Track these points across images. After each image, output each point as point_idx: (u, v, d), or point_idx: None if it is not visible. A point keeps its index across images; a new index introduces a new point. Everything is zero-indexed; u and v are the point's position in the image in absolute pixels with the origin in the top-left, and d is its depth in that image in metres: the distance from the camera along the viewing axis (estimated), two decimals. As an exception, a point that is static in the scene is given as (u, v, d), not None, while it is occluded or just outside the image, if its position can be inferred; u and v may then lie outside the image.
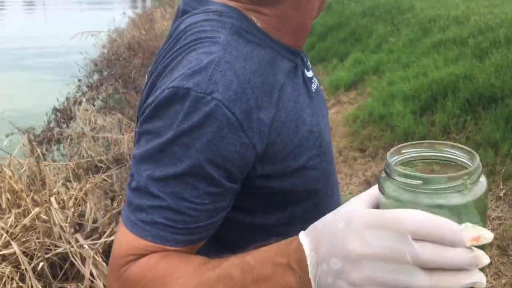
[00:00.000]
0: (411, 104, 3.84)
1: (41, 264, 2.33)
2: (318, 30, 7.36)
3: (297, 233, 0.52)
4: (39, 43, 10.91)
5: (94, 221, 2.68)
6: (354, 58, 5.82)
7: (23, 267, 2.27)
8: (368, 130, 4.04)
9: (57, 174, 3.44)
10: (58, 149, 4.06)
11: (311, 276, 0.47)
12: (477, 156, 0.46)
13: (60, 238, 2.48)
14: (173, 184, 0.61)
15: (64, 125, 4.19)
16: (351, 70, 5.58)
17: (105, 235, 2.57)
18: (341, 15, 7.34)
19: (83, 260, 2.41)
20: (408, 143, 0.48)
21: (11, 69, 8.49)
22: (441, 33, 4.72)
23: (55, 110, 4.30)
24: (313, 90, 0.81)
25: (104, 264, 2.38)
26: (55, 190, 2.91)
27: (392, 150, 0.48)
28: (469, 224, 0.42)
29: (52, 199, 2.62)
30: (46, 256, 2.39)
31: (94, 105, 4.25)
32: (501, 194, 2.69)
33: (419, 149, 0.48)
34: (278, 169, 0.69)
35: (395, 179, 0.44)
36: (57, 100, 4.47)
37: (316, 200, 0.76)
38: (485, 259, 0.42)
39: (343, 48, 6.41)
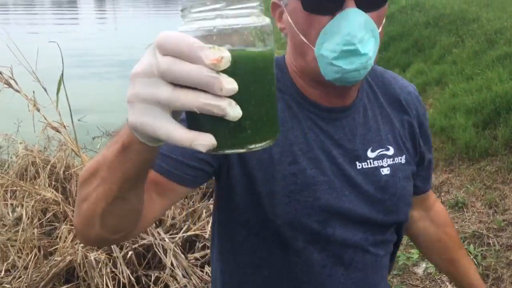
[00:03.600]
0: (473, 117, 3.88)
1: (129, 253, 2.67)
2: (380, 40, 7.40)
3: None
4: (113, 53, 11.68)
5: (173, 218, 3.00)
6: (416, 69, 5.85)
7: (115, 254, 2.61)
8: (428, 142, 4.11)
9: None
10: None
11: None
12: None
13: (145, 231, 2.81)
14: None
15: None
16: (412, 80, 5.61)
17: (182, 230, 2.88)
18: (404, 25, 7.35)
19: (164, 251, 2.72)
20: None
21: (89, 77, 9.22)
22: (507, 46, 4.68)
23: (134, 116, 4.71)
24: (357, 167, 0.88)
25: (183, 256, 2.68)
26: (138, 188, 3.27)
27: None
28: (216, 46, 0.41)
29: (138, 196, 2.97)
30: (133, 246, 2.73)
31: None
32: None
33: None
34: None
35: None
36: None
37: None
38: (227, 84, 0.41)
39: (405, 59, 6.44)
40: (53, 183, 3.09)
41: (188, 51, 0.41)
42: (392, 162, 0.91)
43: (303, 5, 0.77)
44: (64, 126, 2.93)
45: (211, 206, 3.03)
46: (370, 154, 0.89)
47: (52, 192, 2.79)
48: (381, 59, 6.93)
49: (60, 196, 2.85)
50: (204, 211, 2.98)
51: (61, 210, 2.81)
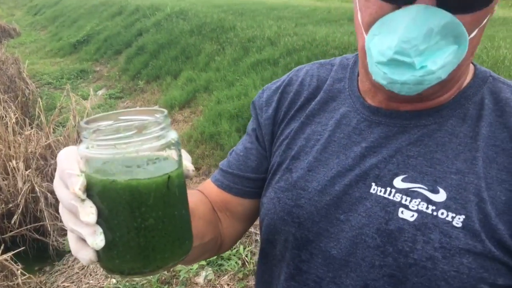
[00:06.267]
0: (236, 122, 4.23)
1: None
2: (150, 48, 7.47)
3: None
4: None
5: None
6: (186, 76, 6.07)
7: None
8: (201, 149, 4.32)
9: None
10: None
11: None
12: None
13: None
14: None
15: None
16: (184, 88, 5.82)
17: None
18: (171, 33, 7.55)
19: None
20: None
21: None
22: (258, 53, 5.24)
23: None
24: (371, 190, 0.64)
25: None
26: None
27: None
28: (84, 174, 0.42)
29: None
30: None
31: None
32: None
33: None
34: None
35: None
36: None
37: None
38: (84, 216, 0.41)
39: (175, 66, 6.63)
40: None
41: (61, 176, 0.44)
42: (427, 211, 0.59)
43: None
44: None
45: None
46: (397, 182, 0.62)
47: None
48: (153, 67, 6.98)
49: None
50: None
51: None
